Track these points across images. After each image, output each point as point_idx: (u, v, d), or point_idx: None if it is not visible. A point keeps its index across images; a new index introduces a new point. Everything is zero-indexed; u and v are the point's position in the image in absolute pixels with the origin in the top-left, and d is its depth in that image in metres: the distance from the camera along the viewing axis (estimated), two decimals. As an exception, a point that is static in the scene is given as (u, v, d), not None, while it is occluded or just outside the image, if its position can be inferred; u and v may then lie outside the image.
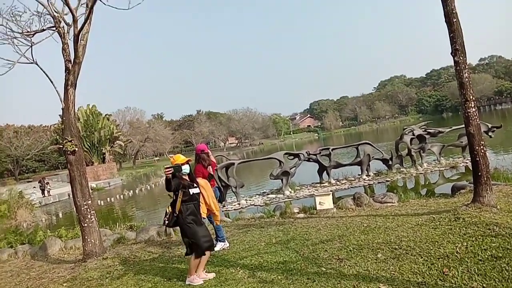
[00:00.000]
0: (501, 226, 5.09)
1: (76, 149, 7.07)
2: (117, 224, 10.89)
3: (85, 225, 7.01)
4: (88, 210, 7.08)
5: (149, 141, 65.93)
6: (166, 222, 4.98)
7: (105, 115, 51.48)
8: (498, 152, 16.91)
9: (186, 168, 5.02)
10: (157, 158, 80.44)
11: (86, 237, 7.01)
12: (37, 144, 57.32)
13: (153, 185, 30.06)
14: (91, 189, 31.46)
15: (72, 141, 7.03)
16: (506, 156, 14.70)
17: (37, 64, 7.39)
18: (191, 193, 4.98)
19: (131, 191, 26.81)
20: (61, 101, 7.17)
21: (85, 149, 44.62)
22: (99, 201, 23.19)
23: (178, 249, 6.90)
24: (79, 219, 7.12)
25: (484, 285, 3.61)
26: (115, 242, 8.37)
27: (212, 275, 5.05)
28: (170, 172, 4.76)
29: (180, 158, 5.08)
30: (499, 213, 5.71)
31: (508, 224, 5.13)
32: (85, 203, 7.07)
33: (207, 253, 5.00)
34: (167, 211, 4.99)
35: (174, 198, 4.98)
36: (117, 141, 51.69)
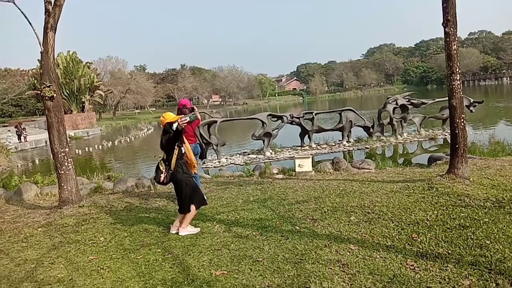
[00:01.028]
0: (472, 198, 5.27)
1: (55, 95, 6.85)
2: (95, 173, 10.83)
3: (62, 172, 6.92)
4: (65, 158, 6.97)
5: (130, 92, 64.60)
6: (162, 178, 4.93)
7: (86, 63, 49.85)
8: (477, 127, 17.27)
9: (175, 126, 4.94)
10: (138, 111, 79.28)
11: (62, 184, 6.95)
12: (13, 88, 55.33)
13: (132, 137, 29.79)
14: (69, 138, 31.01)
15: (51, 87, 6.80)
16: (484, 132, 15.03)
17: (14, 3, 6.98)
18: (183, 151, 5.07)
19: (110, 142, 26.53)
20: (40, 45, 6.85)
21: (64, 96, 43.48)
22: (77, 150, 22.91)
23: (156, 201, 6.94)
24: (55, 166, 7.03)
25: (449, 251, 3.76)
26: (92, 191, 8.34)
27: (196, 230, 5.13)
28: (187, 122, 4.75)
29: (170, 116, 4.99)
30: (471, 185, 5.89)
31: (478, 196, 5.32)
32: (62, 150, 6.95)
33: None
34: (161, 168, 4.94)
35: (166, 155, 4.96)
36: (97, 91, 50.45)
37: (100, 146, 24.74)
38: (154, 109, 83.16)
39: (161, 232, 5.16)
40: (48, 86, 6.77)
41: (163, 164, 4.97)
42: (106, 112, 68.45)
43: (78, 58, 48.16)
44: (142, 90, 66.79)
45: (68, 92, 45.79)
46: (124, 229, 5.43)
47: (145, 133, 34.27)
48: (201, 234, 4.93)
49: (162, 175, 4.93)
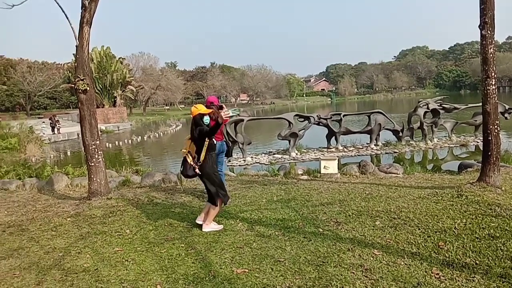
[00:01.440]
0: (503, 207, 5.08)
1: (88, 88, 7.05)
2: (124, 167, 11.09)
3: (92, 164, 7.12)
4: (96, 150, 7.17)
5: (161, 89, 65.60)
6: (190, 171, 4.88)
7: (119, 58, 51.00)
8: (511, 135, 16.62)
9: (207, 119, 4.99)
10: (168, 107, 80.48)
11: (92, 176, 7.15)
12: (49, 81, 57.52)
13: (161, 133, 30.31)
14: (100, 131, 31.84)
15: (84, 80, 7.00)
16: (519, 140, 14.46)
17: (53, -2, 7.22)
18: (214, 143, 5.14)
19: (140, 137, 27.08)
20: (75, 39, 7.06)
21: (96, 91, 44.62)
22: (107, 144, 23.52)
23: (181, 196, 7.04)
24: (86, 158, 7.23)
25: (477, 261, 3.64)
26: (120, 184, 8.54)
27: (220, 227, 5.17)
28: (230, 116, 4.95)
29: (203, 108, 5.03)
30: (503, 195, 5.68)
31: (510, 206, 5.12)
32: (93, 142, 7.15)
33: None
34: (188, 161, 4.89)
35: (197, 147, 4.96)
36: (129, 86, 51.56)
37: (130, 141, 25.29)
38: (183, 106, 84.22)
39: (185, 227, 5.23)
40: (82, 80, 6.97)
41: (190, 156, 4.93)
42: (136, 108, 69.82)
43: (111, 53, 49.32)
44: (172, 86, 67.72)
45: (101, 87, 47.00)
46: (149, 222, 5.54)
47: (174, 130, 34.80)
48: (224, 231, 4.96)
49: (190, 168, 4.89)
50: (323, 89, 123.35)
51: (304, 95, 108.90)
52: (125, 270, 3.98)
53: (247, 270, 3.78)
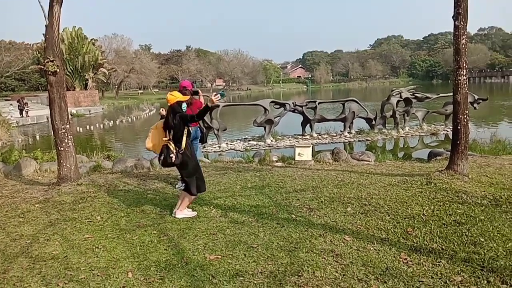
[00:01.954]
0: (469, 195, 5.27)
1: (58, 70, 6.80)
2: (95, 152, 10.85)
3: (62, 149, 6.91)
4: (66, 134, 6.96)
5: (134, 72, 64.23)
6: (174, 159, 4.73)
7: (91, 39, 49.44)
8: (480, 125, 17.19)
9: (184, 106, 4.90)
10: (141, 91, 79.01)
11: (61, 161, 6.95)
12: (17, 62, 55.09)
13: (134, 118, 29.78)
14: (71, 115, 30.97)
15: (54, 61, 6.74)
16: (486, 130, 14.98)
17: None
18: (190, 131, 5.08)
19: (112, 121, 26.53)
20: (45, 18, 6.77)
21: (67, 73, 43.27)
22: (78, 128, 22.93)
23: (154, 183, 6.95)
24: (56, 142, 7.01)
25: (443, 247, 3.77)
26: (91, 169, 8.36)
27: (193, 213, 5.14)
28: (219, 99, 4.80)
29: (180, 96, 4.92)
30: (470, 182, 5.88)
31: (476, 194, 5.31)
32: (63, 126, 6.93)
33: None
34: (171, 149, 4.74)
35: (175, 134, 4.82)
36: (101, 69, 50.19)
37: (102, 125, 24.76)
38: (157, 90, 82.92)
39: (158, 214, 5.18)
40: (52, 61, 6.71)
41: (172, 144, 4.81)
42: (109, 91, 68.20)
43: (83, 34, 47.73)
44: (146, 70, 66.42)
45: (72, 69, 45.58)
46: (121, 209, 5.45)
47: (147, 114, 34.24)
48: (197, 218, 4.94)
49: (173, 156, 4.75)
50: (300, 76, 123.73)
51: (281, 81, 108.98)
52: (96, 257, 3.91)
53: (220, 257, 3.79)
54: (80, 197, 6.07)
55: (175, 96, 4.85)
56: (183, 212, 5.03)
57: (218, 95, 4.77)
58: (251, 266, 3.58)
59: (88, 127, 23.67)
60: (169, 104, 4.85)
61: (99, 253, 4.00)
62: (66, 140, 6.94)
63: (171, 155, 4.75)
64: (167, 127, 4.87)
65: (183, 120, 4.78)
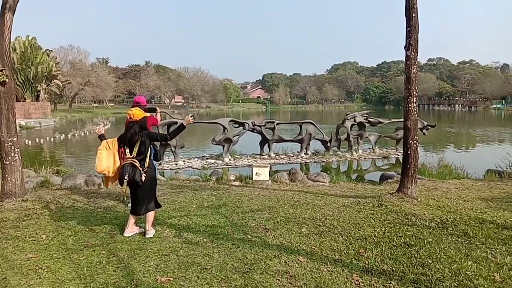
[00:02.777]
0: (418, 217, 5.48)
1: (7, 80, 6.48)
2: (43, 167, 10.31)
3: (7, 162, 6.54)
4: (12, 147, 6.60)
5: (90, 85, 62.27)
6: (143, 177, 4.62)
7: (45, 50, 47.59)
8: (428, 150, 18.07)
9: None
10: (96, 105, 76.65)
11: (6, 175, 6.56)
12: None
13: (87, 132, 28.72)
14: (20, 127, 29.44)
15: (3, 71, 6.43)
16: (434, 154, 15.76)
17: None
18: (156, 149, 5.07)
19: (63, 135, 25.43)
20: (-5, 25, 6.47)
21: (18, 83, 41.31)
22: (26, 141, 21.76)
23: (105, 200, 6.69)
24: (1, 155, 6.62)
25: (394, 268, 3.87)
26: (39, 185, 7.93)
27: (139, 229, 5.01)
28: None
29: (142, 113, 4.83)
30: (419, 205, 6.13)
31: (424, 216, 5.54)
32: (9, 139, 6.57)
33: None
34: (138, 167, 4.61)
35: (140, 152, 4.72)
36: (55, 80, 48.23)
37: (52, 138, 23.65)
38: (113, 104, 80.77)
39: (108, 233, 4.97)
40: (1, 70, 6.40)
41: (136, 162, 4.65)
42: (62, 104, 65.55)
43: (37, 44, 45.86)
44: (103, 83, 64.62)
45: (23, 79, 43.49)
46: (68, 227, 5.18)
47: (102, 129, 33.11)
48: (149, 238, 4.79)
49: (143, 174, 4.63)
50: (259, 97, 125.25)
51: (240, 101, 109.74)
52: (38, 279, 3.67)
53: (171, 278, 3.67)
54: (25, 214, 5.73)
55: (141, 112, 4.77)
56: (153, 229, 4.94)
57: (193, 116, 4.84)
58: (204, 288, 3.50)
59: (37, 140, 22.52)
60: (135, 120, 4.75)
61: (42, 274, 3.76)
62: (12, 154, 6.58)
63: (141, 174, 4.62)
64: (130, 144, 4.72)
65: (151, 138, 4.72)
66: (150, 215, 4.93)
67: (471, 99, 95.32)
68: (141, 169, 4.65)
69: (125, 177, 4.56)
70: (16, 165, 6.64)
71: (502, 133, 28.01)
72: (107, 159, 4.71)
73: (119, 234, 4.91)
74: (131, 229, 4.92)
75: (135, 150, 4.72)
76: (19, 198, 6.51)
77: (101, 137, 4.87)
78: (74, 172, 9.33)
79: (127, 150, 4.73)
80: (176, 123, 13.41)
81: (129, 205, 6.24)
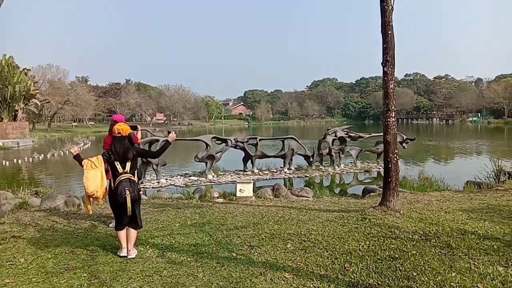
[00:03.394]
0: (401, 230, 5.53)
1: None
2: (22, 188, 10.02)
3: (-18, 185, 6.35)
4: (-12, 169, 6.42)
5: (69, 104, 61.36)
6: (141, 192, 4.79)
7: (23, 69, 46.87)
8: (408, 163, 18.37)
9: None
10: (76, 123, 75.53)
11: (-19, 198, 6.36)
12: None
13: (67, 151, 28.17)
14: (-4, 147, 28.65)
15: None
16: (415, 167, 16.02)
17: None
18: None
19: (42, 155, 24.89)
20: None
21: (-6, 102, 40.48)
22: (3, 162, 21.20)
23: (85, 221, 6.54)
24: (-25, 177, 6.43)
25: (379, 282, 3.88)
26: (16, 207, 7.70)
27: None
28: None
29: (129, 129, 4.82)
30: (401, 218, 6.20)
31: (407, 229, 5.60)
32: (-15, 161, 6.40)
33: None
34: (136, 181, 4.71)
35: (132, 167, 4.75)
36: (33, 99, 47.36)
37: (31, 159, 23.11)
38: (93, 122, 79.74)
39: (89, 255, 4.84)
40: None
41: (134, 177, 4.71)
42: (40, 123, 64.33)
43: (14, 63, 45.14)
44: (82, 102, 63.78)
45: (0, 99, 42.61)
46: (48, 250, 5.03)
47: (82, 148, 32.60)
48: (132, 259, 4.68)
49: (136, 189, 4.68)
50: (241, 113, 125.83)
51: (223, 118, 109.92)
52: (15, 305, 3.53)
53: (156, 300, 3.59)
54: (2, 237, 5.54)
55: (128, 127, 4.77)
56: (133, 251, 4.85)
57: (175, 133, 5.02)
58: (189, 308, 3.42)
59: (15, 160, 21.96)
60: (124, 135, 4.71)
61: (19, 301, 3.62)
62: (-12, 175, 6.38)
63: (139, 189, 4.72)
64: (123, 159, 4.68)
65: (144, 154, 4.80)
66: (134, 234, 4.85)
67: (448, 113, 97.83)
68: (138, 183, 4.75)
69: (126, 194, 4.54)
70: (-8, 187, 6.45)
71: (480, 145, 28.73)
72: (94, 179, 4.57)
73: (101, 255, 4.79)
74: (125, 249, 4.83)
75: (128, 165, 4.70)
76: (-5, 221, 6.30)
77: (77, 157, 4.69)
78: (53, 192, 9.10)
79: (119, 166, 4.67)
80: (158, 140, 13.33)
81: (111, 225, 6.13)
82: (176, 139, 5.29)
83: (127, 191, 4.54)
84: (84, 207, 7.46)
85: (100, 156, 4.70)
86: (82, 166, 4.61)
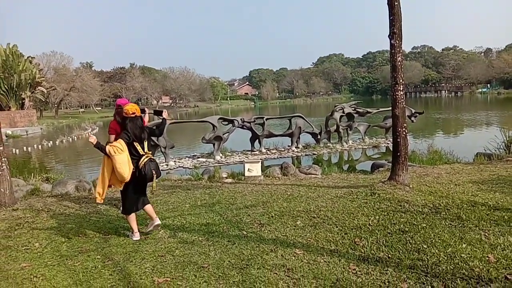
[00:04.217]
0: (411, 204, 5.52)
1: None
2: (32, 175, 10.16)
3: (-6, 173, 6.44)
4: (-1, 157, 6.50)
5: (75, 90, 61.54)
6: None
7: (28, 57, 46.85)
8: (417, 136, 18.24)
9: None
10: (82, 110, 75.85)
11: (-6, 186, 6.46)
12: None
13: (75, 137, 28.42)
14: (6, 136, 28.98)
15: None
16: (424, 141, 15.91)
17: None
18: None
19: (51, 141, 25.11)
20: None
21: (1, 92, 40.72)
22: (13, 150, 21.46)
23: (97, 205, 6.62)
24: (-13, 166, 6.51)
25: (390, 255, 3.90)
26: (29, 193, 7.83)
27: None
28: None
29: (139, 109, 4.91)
30: (411, 192, 6.18)
31: (417, 202, 5.58)
32: (-5, 149, 6.47)
33: None
34: (155, 161, 4.90)
35: (150, 146, 4.95)
36: (39, 87, 47.55)
37: (40, 146, 23.34)
38: (99, 108, 79.97)
39: (102, 238, 4.92)
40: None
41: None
42: (48, 110, 64.69)
43: (19, 51, 45.10)
44: (88, 88, 63.89)
45: (7, 88, 42.76)
46: (61, 234, 5.12)
47: (89, 133, 32.81)
48: (144, 240, 4.75)
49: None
50: (247, 93, 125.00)
51: (228, 98, 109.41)
52: (33, 287, 3.62)
53: (169, 279, 3.65)
54: (16, 223, 5.65)
55: (136, 109, 4.79)
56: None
57: (165, 111, 5.07)
58: (202, 286, 3.48)
59: (25, 148, 22.21)
60: (138, 115, 4.76)
61: (37, 283, 3.71)
62: (0, 163, 6.47)
63: (159, 167, 4.87)
64: (141, 139, 4.74)
65: (151, 134, 4.89)
66: (151, 207, 5.01)
67: (456, 85, 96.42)
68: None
69: (154, 174, 4.68)
70: (4, 175, 6.55)
71: (489, 117, 28.39)
72: (125, 163, 4.52)
73: (114, 238, 4.87)
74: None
75: (146, 144, 4.81)
76: (9, 207, 6.42)
77: (98, 145, 4.54)
78: (64, 178, 9.22)
79: (139, 147, 4.71)
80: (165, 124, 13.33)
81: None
82: (183, 121, 5.35)
83: (153, 171, 4.68)
84: (95, 194, 7.52)
85: (120, 140, 4.61)
86: (107, 154, 4.51)
